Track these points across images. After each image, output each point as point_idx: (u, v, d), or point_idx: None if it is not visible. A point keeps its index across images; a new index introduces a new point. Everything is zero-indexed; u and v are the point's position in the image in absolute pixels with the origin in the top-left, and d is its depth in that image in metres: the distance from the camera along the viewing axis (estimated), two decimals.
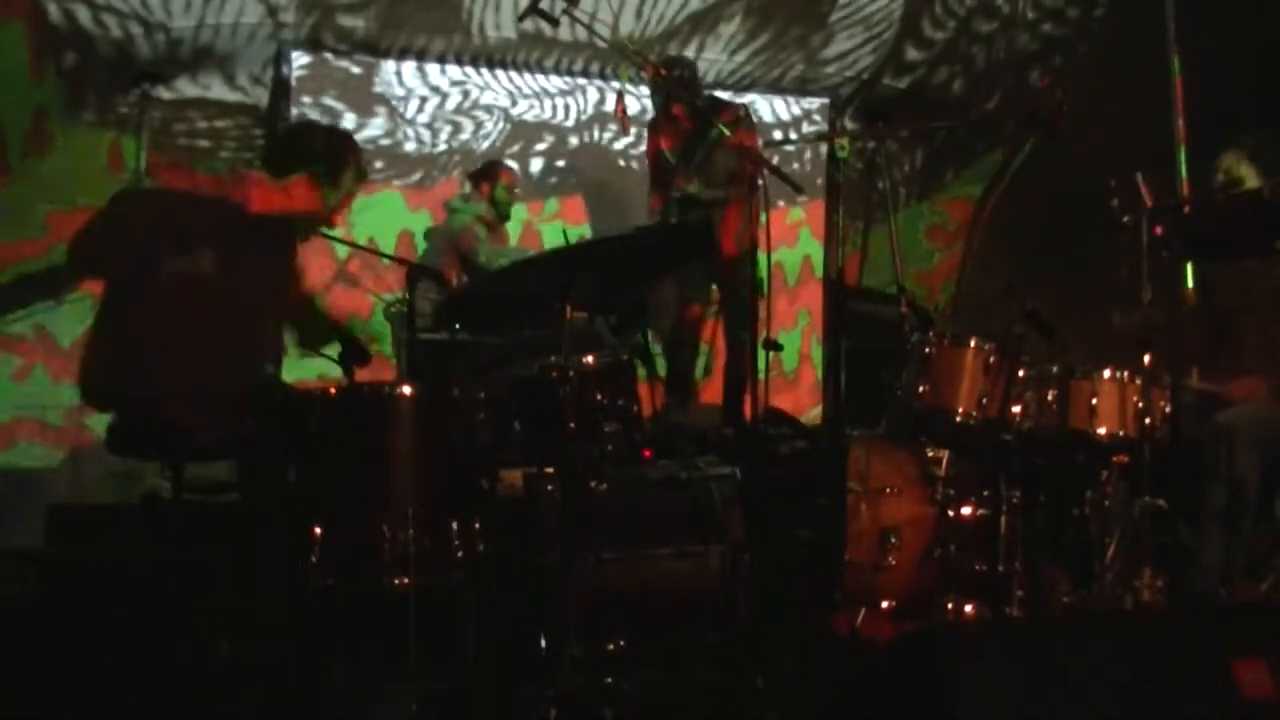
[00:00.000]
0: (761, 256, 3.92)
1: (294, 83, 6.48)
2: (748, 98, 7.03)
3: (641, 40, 6.59)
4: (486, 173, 6.38)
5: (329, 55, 6.57)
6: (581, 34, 3.87)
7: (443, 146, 6.89)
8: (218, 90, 6.30)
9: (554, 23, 3.75)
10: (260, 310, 3.48)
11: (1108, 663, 2.68)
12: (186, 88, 6.24)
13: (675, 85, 5.66)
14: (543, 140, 7.10)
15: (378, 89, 6.71)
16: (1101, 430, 3.94)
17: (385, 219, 6.63)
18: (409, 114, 6.80)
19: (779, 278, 7.02)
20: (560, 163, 7.16)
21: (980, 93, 7.21)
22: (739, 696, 3.25)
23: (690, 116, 5.82)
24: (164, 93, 6.14)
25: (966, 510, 4.00)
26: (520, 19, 3.97)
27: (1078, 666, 2.65)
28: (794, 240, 7.49)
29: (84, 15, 5.71)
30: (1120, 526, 3.90)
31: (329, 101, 6.63)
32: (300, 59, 6.47)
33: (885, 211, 4.85)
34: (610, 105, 6.72)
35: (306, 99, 6.53)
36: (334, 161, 3.59)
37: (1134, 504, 3.85)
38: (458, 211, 6.17)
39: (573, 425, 3.29)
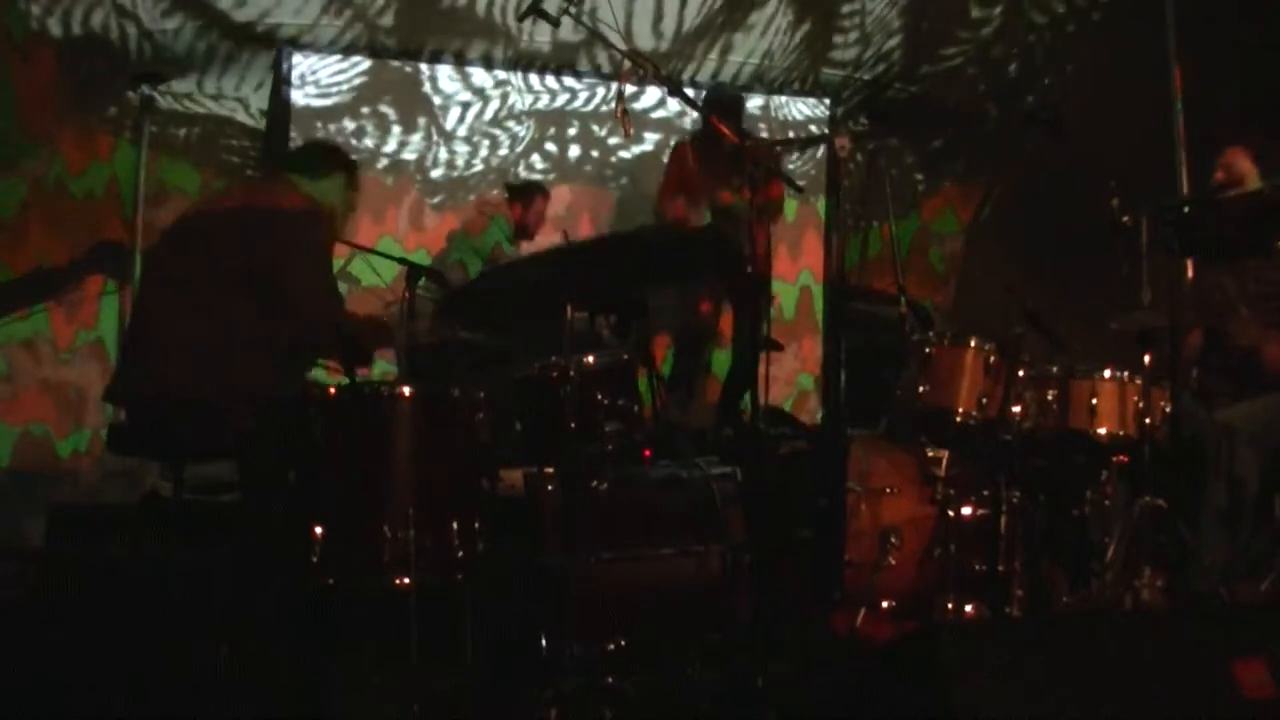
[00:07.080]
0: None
1: (293, 80, 6.52)
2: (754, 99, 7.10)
3: (677, 41, 6.60)
4: (522, 196, 6.39)
5: (330, 57, 6.61)
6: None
7: (479, 166, 6.91)
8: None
9: (555, 23, 3.73)
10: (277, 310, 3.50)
11: (1107, 663, 2.68)
12: (205, 97, 6.28)
13: (718, 108, 5.60)
14: (558, 134, 7.12)
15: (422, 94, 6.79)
16: (1101, 430, 3.94)
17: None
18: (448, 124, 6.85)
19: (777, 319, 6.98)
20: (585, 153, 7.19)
21: (983, 95, 7.20)
22: (739, 696, 3.25)
23: (702, 172, 5.75)
24: (191, 105, 6.18)
25: (966, 510, 3.99)
26: (520, 19, 3.95)
27: (1077, 666, 2.65)
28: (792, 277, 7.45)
29: (79, 16, 5.72)
30: (1120, 526, 3.89)
31: (379, 108, 6.72)
32: (299, 59, 6.51)
33: (885, 213, 4.84)
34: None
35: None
36: (354, 167, 3.96)
37: (1134, 504, 3.85)
38: (489, 231, 6.22)
39: (573, 425, 3.29)
